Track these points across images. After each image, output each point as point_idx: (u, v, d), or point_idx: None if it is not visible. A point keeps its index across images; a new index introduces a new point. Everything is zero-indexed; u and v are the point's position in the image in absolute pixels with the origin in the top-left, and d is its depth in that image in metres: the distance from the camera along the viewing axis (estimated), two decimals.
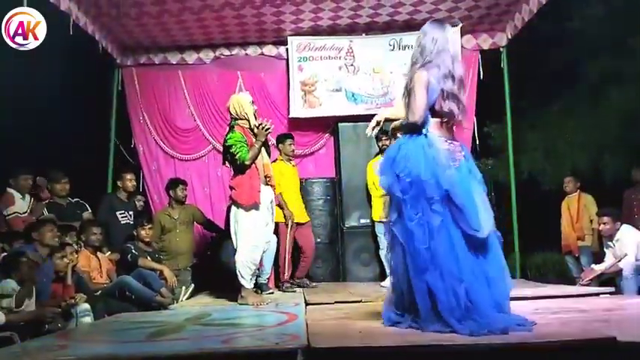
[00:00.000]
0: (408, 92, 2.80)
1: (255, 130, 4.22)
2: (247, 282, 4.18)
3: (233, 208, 4.22)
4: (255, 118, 4.33)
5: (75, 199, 5.03)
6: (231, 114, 4.34)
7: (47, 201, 4.78)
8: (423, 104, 2.71)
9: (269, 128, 4.25)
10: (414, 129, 2.77)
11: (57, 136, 7.45)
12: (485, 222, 2.66)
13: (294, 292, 4.99)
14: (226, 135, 4.27)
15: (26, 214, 4.50)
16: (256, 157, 4.19)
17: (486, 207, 2.74)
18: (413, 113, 2.73)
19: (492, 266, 2.70)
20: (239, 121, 4.28)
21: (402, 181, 2.71)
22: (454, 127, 2.90)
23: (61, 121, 7.37)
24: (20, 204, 4.51)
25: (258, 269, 5.22)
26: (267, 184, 4.33)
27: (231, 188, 4.24)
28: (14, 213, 4.45)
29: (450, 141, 2.81)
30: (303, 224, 5.44)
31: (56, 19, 5.04)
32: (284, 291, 5.09)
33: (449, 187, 2.62)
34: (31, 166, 4.85)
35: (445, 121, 2.82)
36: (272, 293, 4.92)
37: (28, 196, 4.61)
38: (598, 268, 4.80)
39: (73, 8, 5.16)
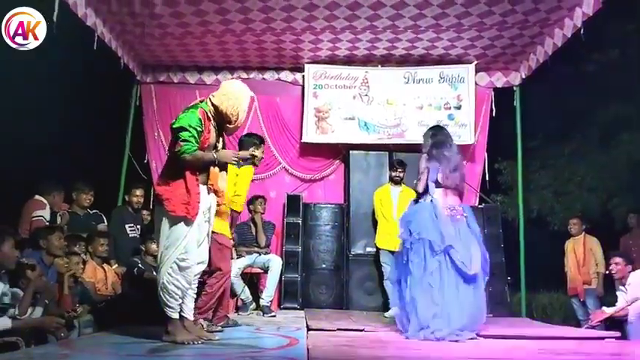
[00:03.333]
0: (419, 170, 4.08)
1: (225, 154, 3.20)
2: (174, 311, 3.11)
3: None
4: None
5: (93, 211, 5.11)
6: (212, 102, 3.20)
7: (68, 210, 4.87)
8: (424, 179, 3.97)
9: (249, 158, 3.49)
10: (421, 192, 4.00)
11: (78, 148, 7.59)
12: (474, 264, 3.72)
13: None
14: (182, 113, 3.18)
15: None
16: (201, 165, 3.11)
17: (478, 253, 3.78)
18: (420, 184, 4.00)
19: (472, 297, 3.71)
20: (209, 105, 3.20)
21: (412, 237, 3.84)
22: (461, 196, 4.05)
23: (81, 133, 7.51)
24: (47, 210, 4.61)
25: (261, 291, 5.23)
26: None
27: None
28: (40, 216, 4.51)
29: (451, 208, 3.89)
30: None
31: (81, 33, 5.21)
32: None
33: (449, 241, 3.72)
34: (54, 179, 4.95)
35: (451, 188, 3.95)
36: (274, 316, 4.90)
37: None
38: (608, 310, 4.76)
39: (98, 25, 5.31)
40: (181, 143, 3.03)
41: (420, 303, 3.65)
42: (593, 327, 4.69)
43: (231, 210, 4.06)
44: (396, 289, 4.12)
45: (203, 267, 3.28)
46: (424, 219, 3.86)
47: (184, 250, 3.04)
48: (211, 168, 3.17)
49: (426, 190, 3.97)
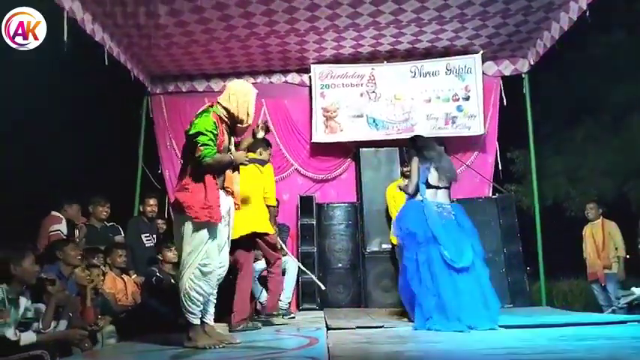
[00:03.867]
0: (409, 170, 4.31)
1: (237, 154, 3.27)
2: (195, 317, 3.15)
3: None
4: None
5: (110, 223, 5.18)
6: (222, 105, 3.25)
7: (85, 223, 4.96)
8: (415, 180, 4.15)
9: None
10: (412, 194, 4.18)
11: (91, 161, 7.70)
12: (464, 257, 3.86)
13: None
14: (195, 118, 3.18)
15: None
16: (220, 169, 3.18)
17: (467, 248, 3.91)
18: (411, 186, 4.18)
19: (474, 287, 3.80)
20: (220, 108, 3.24)
21: (403, 232, 4.11)
22: (450, 193, 4.21)
23: (95, 148, 7.62)
24: (64, 225, 4.70)
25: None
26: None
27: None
28: (57, 231, 4.59)
29: (440, 207, 4.08)
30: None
31: (91, 49, 5.29)
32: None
33: (434, 234, 3.90)
34: (70, 194, 5.05)
35: (441, 187, 4.14)
36: (293, 317, 4.91)
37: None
38: (637, 291, 4.72)
39: (107, 39, 5.40)
40: (201, 148, 3.05)
41: (419, 295, 3.83)
42: (614, 311, 4.65)
43: (268, 206, 4.33)
44: None
45: (224, 271, 3.28)
46: (412, 215, 4.10)
47: (206, 255, 3.08)
48: (227, 171, 3.22)
49: (417, 192, 4.17)
